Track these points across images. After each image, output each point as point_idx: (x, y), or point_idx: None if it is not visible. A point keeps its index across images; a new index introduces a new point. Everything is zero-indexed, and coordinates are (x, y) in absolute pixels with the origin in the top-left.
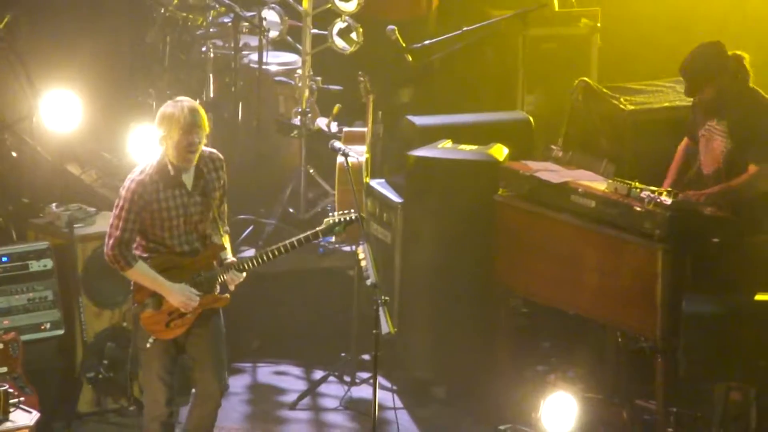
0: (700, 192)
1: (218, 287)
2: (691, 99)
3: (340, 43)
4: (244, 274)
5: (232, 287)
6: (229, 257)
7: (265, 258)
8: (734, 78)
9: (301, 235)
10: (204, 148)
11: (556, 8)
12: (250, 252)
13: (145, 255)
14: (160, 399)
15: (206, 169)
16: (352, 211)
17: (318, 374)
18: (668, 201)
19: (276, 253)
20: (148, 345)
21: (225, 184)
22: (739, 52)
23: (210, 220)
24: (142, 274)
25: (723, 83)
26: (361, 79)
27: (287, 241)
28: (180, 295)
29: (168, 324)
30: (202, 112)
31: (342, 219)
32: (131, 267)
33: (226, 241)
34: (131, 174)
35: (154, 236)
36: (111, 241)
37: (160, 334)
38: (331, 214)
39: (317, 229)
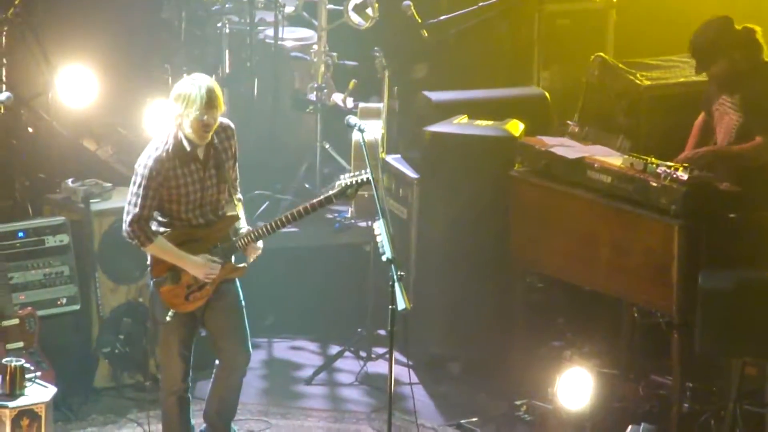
0: (693, 151)
1: (234, 258)
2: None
3: (355, 18)
4: (261, 243)
5: (251, 259)
6: (244, 227)
7: (278, 224)
8: (745, 52)
9: (315, 200)
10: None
11: None
12: (244, 222)
13: (161, 230)
14: (177, 374)
15: (218, 139)
16: (364, 171)
17: (334, 349)
18: (684, 176)
19: (290, 218)
20: (167, 319)
21: (236, 152)
22: (750, 26)
23: (225, 194)
24: (163, 248)
25: (733, 57)
26: (377, 54)
27: (300, 206)
28: (202, 267)
29: (187, 297)
30: (218, 90)
31: (354, 181)
32: (151, 242)
33: (240, 209)
34: (146, 150)
35: (170, 211)
36: (129, 218)
37: (180, 307)
38: (342, 176)
39: (330, 193)
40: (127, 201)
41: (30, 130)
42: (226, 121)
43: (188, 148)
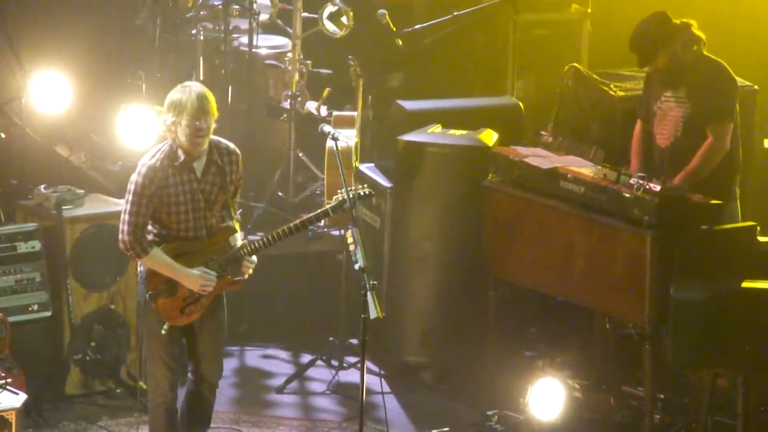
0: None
1: (230, 272)
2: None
3: (330, 26)
4: (255, 258)
5: (246, 275)
6: (240, 241)
7: (274, 238)
8: (685, 44)
9: (311, 214)
10: (221, 140)
11: None
12: (240, 236)
13: (156, 240)
14: (164, 385)
15: (221, 161)
16: (363, 186)
17: (306, 358)
18: (657, 187)
19: (286, 232)
20: (163, 332)
21: (240, 178)
22: (686, 20)
23: (216, 209)
24: (158, 260)
25: (673, 50)
26: (351, 63)
27: (296, 221)
28: (197, 279)
29: (183, 310)
30: (210, 97)
31: (353, 195)
32: (147, 254)
33: (237, 229)
34: (142, 160)
35: (164, 222)
36: (126, 228)
37: (176, 321)
38: (339, 191)
39: (327, 207)
40: (122, 211)
41: (2, 135)
42: (233, 146)
43: (182, 158)
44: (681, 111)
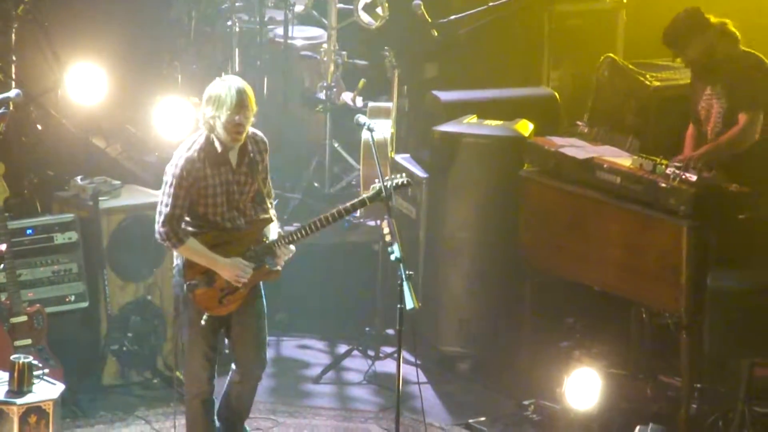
0: (688, 155)
1: (267, 262)
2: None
3: (365, 17)
4: (293, 247)
5: (281, 262)
6: (276, 231)
7: (311, 228)
8: (717, 39)
9: (348, 204)
10: (250, 130)
11: None
12: (277, 226)
13: (193, 230)
14: (202, 376)
15: (252, 149)
16: (400, 175)
17: (342, 348)
18: (693, 177)
19: (323, 222)
20: (202, 322)
21: (267, 166)
22: (722, 19)
23: (251, 199)
24: (195, 250)
25: (704, 42)
26: (387, 53)
27: (333, 210)
28: (233, 269)
29: (221, 300)
30: (249, 91)
31: (391, 184)
32: (183, 244)
33: (274, 220)
34: (178, 151)
35: (201, 214)
36: (162, 218)
37: (214, 311)
38: (376, 180)
39: (364, 196)
40: (159, 202)
41: (39, 127)
42: (260, 134)
43: (219, 150)
44: (719, 107)
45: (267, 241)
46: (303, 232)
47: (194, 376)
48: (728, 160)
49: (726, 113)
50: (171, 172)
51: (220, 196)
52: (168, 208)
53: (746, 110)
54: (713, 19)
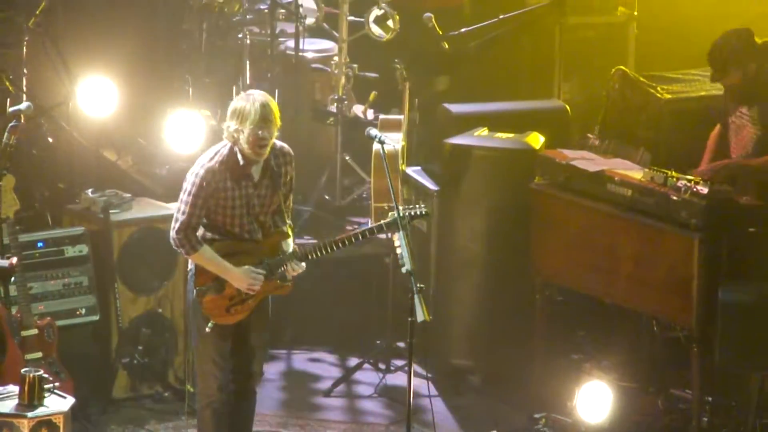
0: (711, 165)
1: (279, 276)
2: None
3: (376, 30)
4: (303, 264)
5: (290, 277)
6: (291, 247)
7: (327, 249)
8: (761, 65)
9: (365, 228)
10: (277, 141)
11: None
12: (292, 241)
13: (209, 237)
14: (213, 385)
15: (275, 162)
16: (422, 205)
17: (353, 361)
18: (705, 190)
19: (339, 245)
20: (207, 330)
21: (292, 179)
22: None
23: (272, 213)
24: (207, 258)
25: (748, 69)
26: (398, 66)
27: (350, 233)
28: (245, 278)
29: (228, 309)
30: (274, 106)
31: (409, 213)
32: (196, 251)
33: (290, 234)
34: (199, 160)
35: (217, 223)
36: (177, 225)
37: (220, 319)
38: (395, 207)
39: (382, 222)
40: (176, 209)
41: (50, 140)
42: (286, 147)
43: (241, 163)
44: (753, 131)
45: (281, 256)
46: (317, 251)
47: (205, 384)
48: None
49: (758, 141)
50: (191, 180)
51: (239, 209)
52: (184, 216)
53: None
54: (759, 41)
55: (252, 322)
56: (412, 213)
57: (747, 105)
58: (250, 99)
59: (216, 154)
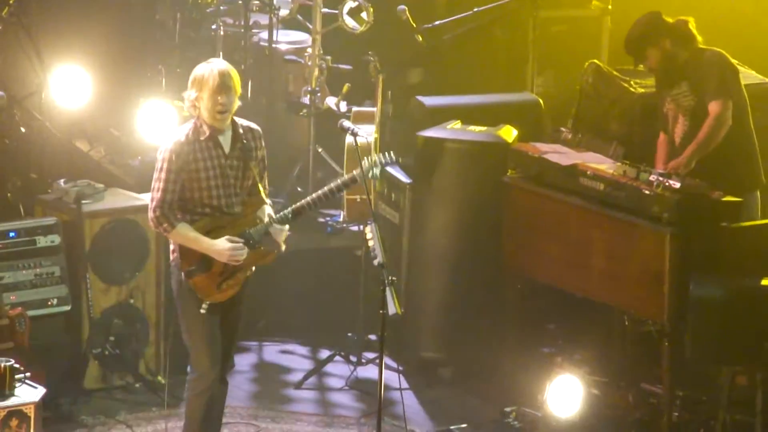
0: (671, 164)
1: (264, 243)
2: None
3: (350, 22)
4: (287, 227)
5: (281, 242)
6: (268, 214)
7: (302, 206)
8: (676, 42)
9: (339, 180)
10: (243, 121)
11: None
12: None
13: (187, 220)
14: (206, 362)
15: (245, 136)
16: (390, 152)
17: (324, 354)
18: (677, 185)
19: (316, 201)
20: (202, 310)
21: (264, 158)
22: (683, 17)
23: (247, 186)
24: (186, 235)
25: (664, 44)
26: (371, 58)
27: (325, 188)
28: (226, 249)
29: (220, 285)
30: (234, 74)
31: (381, 161)
32: (175, 228)
33: (266, 201)
34: (167, 139)
35: (193, 199)
36: (154, 203)
37: (213, 297)
38: (366, 157)
39: (354, 173)
40: (151, 188)
41: (22, 129)
42: (255, 125)
43: (207, 133)
44: (686, 104)
45: (260, 224)
46: (295, 210)
47: (199, 364)
48: (712, 167)
49: (693, 111)
50: (160, 158)
51: (213, 179)
52: (159, 193)
53: (715, 98)
54: (670, 20)
55: (232, 310)
56: (383, 161)
57: (676, 85)
58: (209, 67)
59: (180, 130)
